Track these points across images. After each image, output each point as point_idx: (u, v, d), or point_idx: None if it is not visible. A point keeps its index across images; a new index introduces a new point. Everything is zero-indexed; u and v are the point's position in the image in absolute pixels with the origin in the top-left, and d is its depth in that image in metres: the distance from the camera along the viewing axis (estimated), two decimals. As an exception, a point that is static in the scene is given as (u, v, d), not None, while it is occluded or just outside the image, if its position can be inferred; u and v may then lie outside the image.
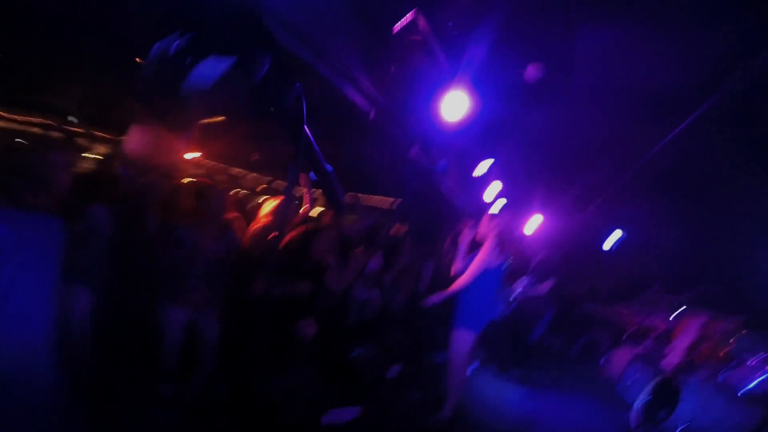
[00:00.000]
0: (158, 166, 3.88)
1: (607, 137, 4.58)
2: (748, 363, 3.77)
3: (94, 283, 2.60)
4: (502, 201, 6.57)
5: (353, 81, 3.09)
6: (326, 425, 2.93)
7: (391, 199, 8.20)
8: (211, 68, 0.89)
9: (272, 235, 3.76)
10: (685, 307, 5.66)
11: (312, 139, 0.96)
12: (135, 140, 3.87)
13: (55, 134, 5.68)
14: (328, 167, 1.09)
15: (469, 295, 3.31)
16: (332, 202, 1.18)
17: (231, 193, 3.66)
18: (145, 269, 2.86)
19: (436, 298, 3.46)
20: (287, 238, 3.40)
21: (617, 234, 8.08)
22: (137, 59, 2.81)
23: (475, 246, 3.56)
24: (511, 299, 6.04)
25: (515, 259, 5.17)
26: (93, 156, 6.05)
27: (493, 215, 3.57)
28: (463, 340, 3.36)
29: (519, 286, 5.32)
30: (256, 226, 4.10)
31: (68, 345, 2.41)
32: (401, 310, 6.14)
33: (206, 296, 2.87)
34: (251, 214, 4.79)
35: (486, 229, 3.47)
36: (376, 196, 8.32)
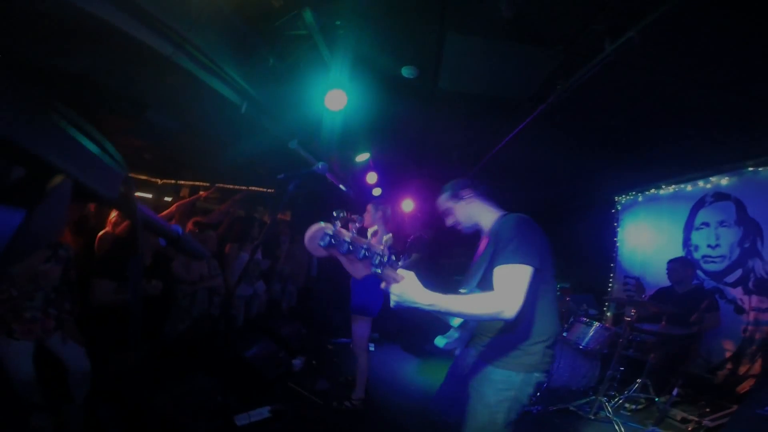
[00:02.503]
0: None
1: (462, 135, 5.20)
2: (581, 320, 4.42)
3: None
4: (378, 190, 6.95)
5: (220, 73, 2.83)
6: (240, 429, 2.81)
7: (265, 190, 7.86)
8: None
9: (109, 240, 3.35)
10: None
11: (150, 213, 0.80)
12: None
13: None
14: (176, 229, 0.97)
15: (362, 282, 3.40)
16: (191, 257, 1.02)
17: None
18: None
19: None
20: (108, 236, 3.11)
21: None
22: None
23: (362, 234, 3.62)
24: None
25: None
26: None
27: (376, 204, 3.73)
28: (362, 325, 3.52)
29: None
30: (102, 234, 3.61)
31: None
32: (292, 301, 6.06)
33: (51, 323, 2.54)
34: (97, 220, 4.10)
35: (371, 218, 3.63)
36: (250, 188, 7.86)
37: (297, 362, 4.19)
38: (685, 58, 2.86)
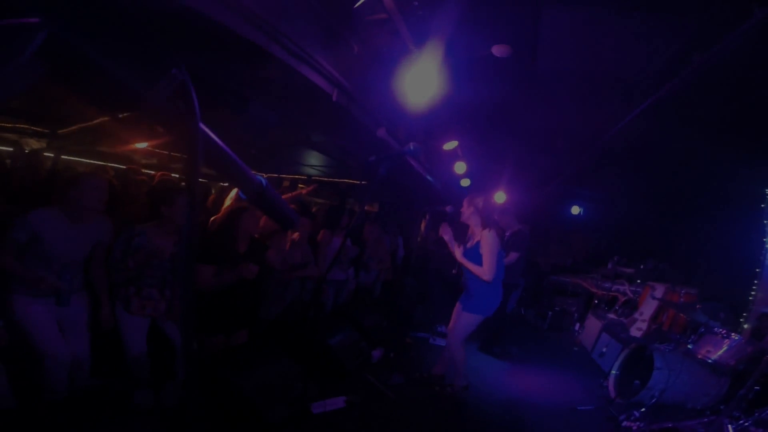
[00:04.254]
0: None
1: (567, 118, 4.64)
2: (715, 330, 3.79)
3: (47, 292, 2.35)
4: (467, 181, 6.64)
5: (312, 62, 2.88)
6: (315, 417, 2.88)
7: (357, 182, 8.08)
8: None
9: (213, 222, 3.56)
10: (641, 279, 6.00)
11: (217, 143, 0.66)
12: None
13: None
14: (261, 180, 0.82)
15: (487, 283, 3.39)
16: (278, 221, 0.86)
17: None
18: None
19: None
20: (215, 222, 3.23)
21: (576, 210, 8.45)
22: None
23: (459, 227, 3.67)
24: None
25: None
26: (26, 151, 5.53)
27: (474, 197, 3.55)
28: (472, 322, 3.52)
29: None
30: (215, 218, 3.89)
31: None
32: (377, 291, 6.17)
33: (166, 302, 2.73)
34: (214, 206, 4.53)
35: (469, 211, 3.50)
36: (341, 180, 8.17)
37: (376, 353, 4.20)
38: None
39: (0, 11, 0.46)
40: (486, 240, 3.35)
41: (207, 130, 0.65)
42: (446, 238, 3.52)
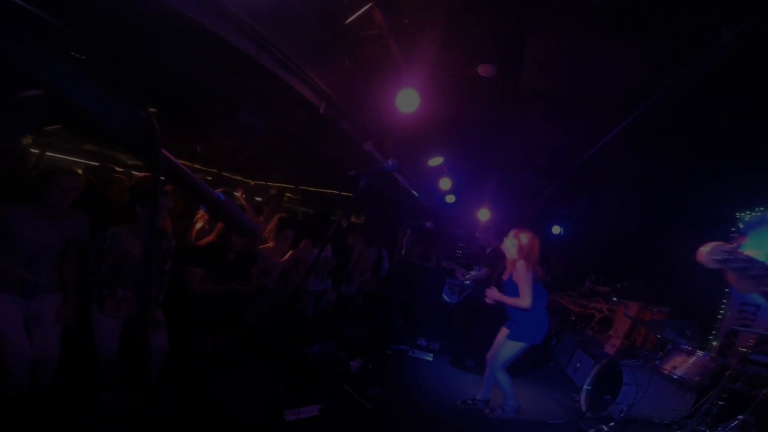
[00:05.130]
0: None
1: (548, 137, 4.80)
2: (681, 347, 3.92)
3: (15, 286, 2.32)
4: (452, 197, 6.76)
5: (301, 74, 2.95)
6: (287, 424, 2.87)
7: (343, 193, 8.13)
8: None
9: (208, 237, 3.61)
10: (617, 297, 6.15)
11: (179, 166, 0.82)
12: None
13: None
14: (219, 195, 0.95)
15: (533, 312, 3.54)
16: (237, 230, 1.02)
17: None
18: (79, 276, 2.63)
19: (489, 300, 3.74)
20: (209, 238, 3.33)
21: (556, 230, 8.66)
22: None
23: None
24: (463, 287, 6.24)
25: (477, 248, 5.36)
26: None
27: (520, 231, 3.69)
28: (513, 349, 3.67)
29: (469, 276, 5.51)
30: (197, 228, 3.90)
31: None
32: (359, 303, 6.16)
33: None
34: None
35: (512, 242, 3.68)
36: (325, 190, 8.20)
37: (354, 364, 4.20)
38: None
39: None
40: (520, 270, 3.53)
41: (169, 155, 0.76)
42: (495, 297, 3.67)
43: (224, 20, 2.13)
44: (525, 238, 3.62)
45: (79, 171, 5.18)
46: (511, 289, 3.60)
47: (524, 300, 3.46)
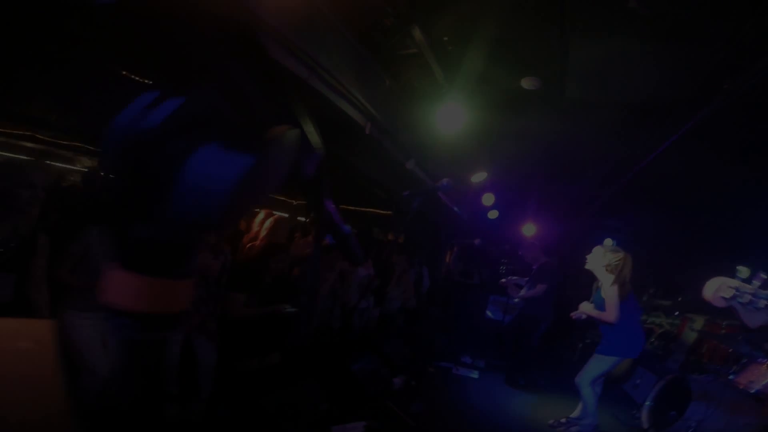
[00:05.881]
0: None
1: (597, 149, 4.64)
2: (758, 361, 3.62)
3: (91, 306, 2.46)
4: (495, 213, 6.62)
5: (347, 95, 3.06)
6: None
7: (384, 212, 8.20)
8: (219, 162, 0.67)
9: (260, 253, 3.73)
10: (679, 311, 5.71)
11: (332, 207, 0.91)
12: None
13: (32, 145, 5.53)
14: (346, 229, 1.04)
15: (623, 325, 3.52)
16: (350, 260, 1.16)
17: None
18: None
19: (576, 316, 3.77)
20: (251, 251, 3.41)
21: (608, 243, 8.18)
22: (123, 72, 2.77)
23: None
24: (512, 304, 6.03)
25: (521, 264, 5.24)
26: (78, 169, 5.94)
27: (616, 251, 3.67)
28: (601, 363, 3.65)
29: (519, 292, 5.34)
30: (252, 244, 4.03)
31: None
32: (399, 319, 6.10)
33: (200, 317, 2.80)
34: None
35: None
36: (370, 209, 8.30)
37: (397, 381, 4.15)
38: None
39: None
40: (608, 286, 3.55)
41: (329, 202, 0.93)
42: (588, 313, 3.67)
43: (278, 44, 2.27)
44: (619, 259, 3.58)
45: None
46: (600, 302, 3.59)
47: (610, 314, 3.45)
